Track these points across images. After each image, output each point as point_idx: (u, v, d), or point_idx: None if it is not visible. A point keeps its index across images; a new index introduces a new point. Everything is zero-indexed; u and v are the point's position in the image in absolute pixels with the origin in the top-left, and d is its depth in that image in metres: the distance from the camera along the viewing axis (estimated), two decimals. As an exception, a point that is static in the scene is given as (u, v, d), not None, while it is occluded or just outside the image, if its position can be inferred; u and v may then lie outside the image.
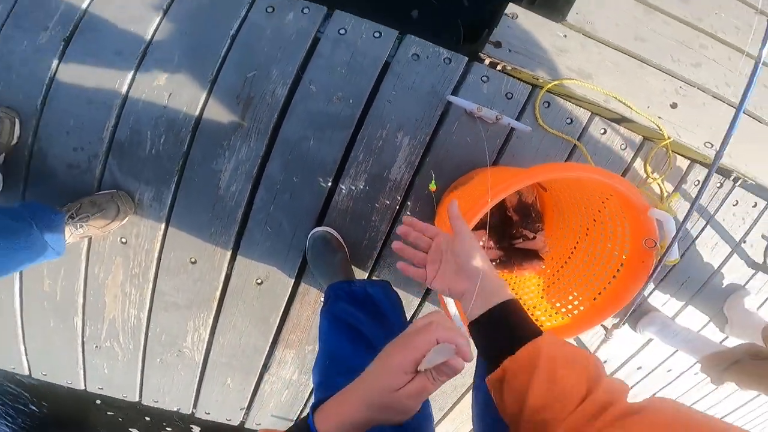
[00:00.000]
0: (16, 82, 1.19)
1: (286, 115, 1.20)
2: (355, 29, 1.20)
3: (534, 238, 1.22)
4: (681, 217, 1.20)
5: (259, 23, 1.20)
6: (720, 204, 1.39)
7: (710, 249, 1.42)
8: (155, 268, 1.34)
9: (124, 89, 1.19)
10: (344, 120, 1.20)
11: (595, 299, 1.00)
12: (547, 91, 1.21)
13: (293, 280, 1.34)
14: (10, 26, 1.18)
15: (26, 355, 1.49)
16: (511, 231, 1.22)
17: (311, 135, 1.21)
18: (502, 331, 0.53)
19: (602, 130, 1.28)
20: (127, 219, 1.23)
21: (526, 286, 1.23)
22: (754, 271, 1.48)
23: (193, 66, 1.19)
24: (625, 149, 1.30)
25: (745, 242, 1.44)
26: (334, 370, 0.84)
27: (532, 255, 1.21)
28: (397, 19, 1.60)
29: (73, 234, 1.12)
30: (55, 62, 1.18)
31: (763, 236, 1.47)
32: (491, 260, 1.20)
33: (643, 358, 1.56)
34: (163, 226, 1.28)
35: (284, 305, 1.38)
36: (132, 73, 1.19)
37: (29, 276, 1.36)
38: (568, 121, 1.26)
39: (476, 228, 1.12)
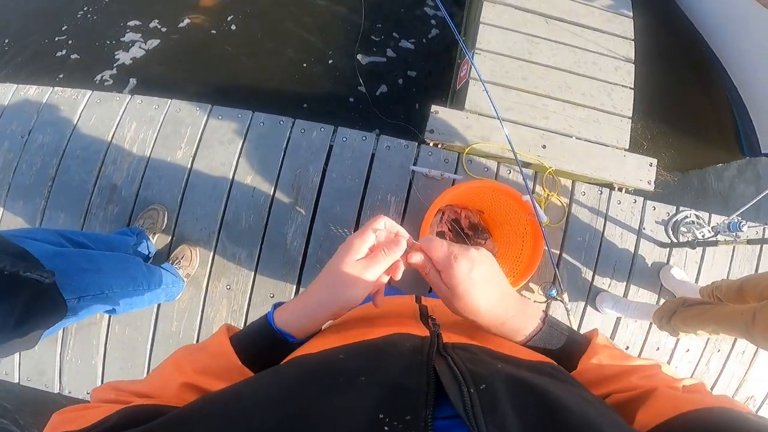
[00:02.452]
0: (164, 186, 2.00)
1: (321, 193, 2.03)
2: (351, 137, 2.07)
3: (485, 242, 2.06)
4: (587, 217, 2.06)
5: (297, 140, 2.06)
6: (608, 205, 2.14)
7: (619, 238, 2.12)
8: (247, 305, 1.99)
9: (227, 187, 2.01)
10: (354, 192, 2.04)
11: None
12: (467, 153, 2.08)
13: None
14: (159, 145, 2.03)
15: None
16: (469, 242, 2.06)
17: (337, 204, 2.04)
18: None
19: (508, 171, 2.13)
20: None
21: None
22: (668, 249, 2.10)
23: (264, 170, 2.04)
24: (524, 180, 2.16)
25: (644, 229, 2.14)
26: None
27: None
28: (374, 125, 2.55)
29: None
30: (187, 170, 2.01)
31: (656, 222, 2.15)
32: None
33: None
34: (253, 273, 1.98)
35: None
36: (231, 176, 2.02)
37: (162, 318, 1.94)
38: (485, 169, 2.11)
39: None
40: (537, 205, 1.71)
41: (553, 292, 2.05)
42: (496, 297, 0.51)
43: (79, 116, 2.07)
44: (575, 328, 2.00)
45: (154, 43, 2.97)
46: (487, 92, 1.47)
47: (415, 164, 2.06)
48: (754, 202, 1.87)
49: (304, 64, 2.98)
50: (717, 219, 2.21)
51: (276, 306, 0.55)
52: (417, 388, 0.34)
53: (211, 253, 2.01)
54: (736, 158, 3.17)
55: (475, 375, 0.35)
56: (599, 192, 2.18)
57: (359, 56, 3.00)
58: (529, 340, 0.53)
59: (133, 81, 2.88)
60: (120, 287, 1.39)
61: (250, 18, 3.06)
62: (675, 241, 2.18)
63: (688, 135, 3.08)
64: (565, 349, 0.54)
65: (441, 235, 2.00)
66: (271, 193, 2.05)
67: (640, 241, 2.17)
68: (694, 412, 0.39)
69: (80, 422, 0.37)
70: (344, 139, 2.06)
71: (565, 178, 2.17)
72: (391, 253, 0.53)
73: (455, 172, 2.08)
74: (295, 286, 2.03)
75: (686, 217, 2.20)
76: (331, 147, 2.06)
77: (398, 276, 0.55)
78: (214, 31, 3.02)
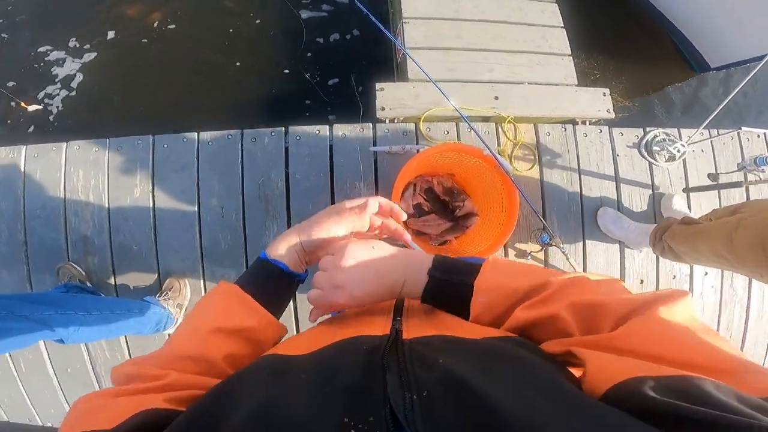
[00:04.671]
0: (134, 227, 1.96)
1: (290, 197, 1.99)
2: (305, 134, 2.03)
3: (464, 203, 2.03)
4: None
5: (251, 150, 2.01)
6: (575, 140, 2.14)
7: (596, 168, 2.13)
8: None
9: (195, 214, 1.96)
10: (323, 187, 2.00)
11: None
12: (423, 121, 2.06)
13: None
14: (114, 188, 1.97)
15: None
16: (449, 207, 2.02)
17: (309, 203, 1.99)
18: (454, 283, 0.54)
19: (468, 129, 2.12)
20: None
21: (475, 237, 1.94)
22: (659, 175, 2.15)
23: (227, 188, 1.98)
24: (489, 134, 2.14)
25: (618, 155, 2.15)
26: None
27: (470, 215, 2.00)
28: (324, 115, 2.52)
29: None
30: (150, 206, 1.96)
31: (627, 146, 2.18)
32: (447, 231, 1.97)
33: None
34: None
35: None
36: (196, 201, 1.97)
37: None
38: (446, 132, 2.09)
39: (421, 214, 1.96)
40: (499, 156, 1.68)
41: (546, 239, 2.01)
42: (370, 280, 0.56)
43: (24, 175, 2.00)
44: (580, 270, 1.97)
45: (76, 78, 2.90)
46: (411, 58, 1.46)
47: (375, 145, 2.03)
48: (718, 110, 1.90)
49: (238, 66, 2.93)
50: (687, 132, 2.24)
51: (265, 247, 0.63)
52: (375, 389, 0.35)
53: (201, 281, 1.98)
54: (690, 75, 3.23)
55: (420, 380, 0.36)
56: (563, 129, 2.17)
57: (300, 49, 2.97)
58: (424, 300, 0.56)
59: (57, 124, 2.81)
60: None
61: (173, 36, 2.99)
62: (653, 162, 2.18)
63: (634, 61, 3.15)
64: (455, 296, 0.54)
65: (418, 206, 1.97)
66: (241, 209, 2.00)
67: (618, 167, 2.18)
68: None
69: (100, 418, 0.37)
70: (298, 138, 2.02)
71: (527, 123, 2.16)
72: (358, 212, 0.62)
73: (417, 143, 2.06)
74: None
75: (655, 136, 2.22)
76: (287, 149, 2.02)
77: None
78: (135, 57, 2.94)
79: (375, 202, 0.64)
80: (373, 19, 1.49)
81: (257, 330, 0.55)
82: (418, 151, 2.04)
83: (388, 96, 2.07)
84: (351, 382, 0.37)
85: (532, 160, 2.14)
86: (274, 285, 0.59)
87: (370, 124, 2.05)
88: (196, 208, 1.98)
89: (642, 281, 2.18)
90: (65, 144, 2.00)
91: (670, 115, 3.05)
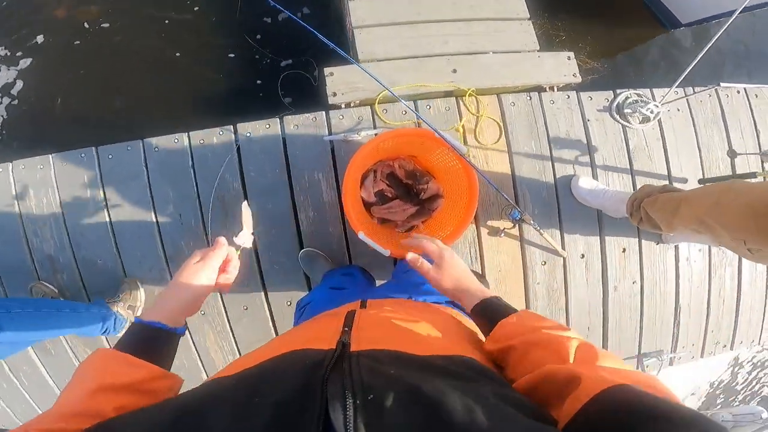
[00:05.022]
0: (94, 240, 1.90)
1: (248, 196, 1.92)
2: (255, 129, 1.93)
3: (428, 185, 1.94)
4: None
5: (201, 152, 1.92)
6: (542, 108, 2.05)
7: (566, 136, 2.05)
8: (228, 323, 1.98)
9: (153, 222, 1.91)
10: (280, 183, 1.93)
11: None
12: (378, 103, 1.97)
13: (306, 290, 2.03)
14: (66, 204, 1.94)
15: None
16: (414, 191, 1.94)
17: (268, 201, 1.93)
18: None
19: (428, 106, 2.02)
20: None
21: (444, 220, 1.81)
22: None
23: (181, 193, 1.91)
24: (449, 110, 2.04)
25: (589, 120, 2.06)
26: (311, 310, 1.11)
27: (436, 197, 1.92)
28: (275, 109, 2.42)
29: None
30: (107, 219, 1.90)
31: (598, 110, 2.08)
32: (413, 216, 1.90)
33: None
34: (218, 295, 1.95)
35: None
36: (152, 210, 1.91)
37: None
38: (404, 113, 1.99)
39: (384, 201, 1.88)
40: (450, 137, 1.58)
41: (517, 215, 1.93)
42: (461, 275, 0.75)
43: (-24, 200, 1.95)
44: (557, 246, 1.92)
45: (15, 86, 2.78)
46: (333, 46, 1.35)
47: (330, 134, 1.95)
48: (691, 66, 1.80)
49: (178, 57, 2.77)
50: (660, 92, 2.14)
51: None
52: (310, 408, 0.35)
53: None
54: (660, 33, 3.06)
55: (366, 386, 0.36)
56: (528, 98, 2.08)
57: (244, 32, 2.81)
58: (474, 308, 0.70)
59: None
60: None
61: (107, 35, 2.81)
62: (627, 124, 2.09)
63: (601, 20, 2.98)
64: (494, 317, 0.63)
65: (381, 194, 1.89)
66: (199, 214, 1.94)
67: (590, 133, 2.09)
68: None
69: None
70: (248, 134, 1.93)
71: (489, 95, 2.06)
72: (214, 255, 0.71)
73: (374, 127, 1.97)
74: (262, 292, 1.98)
75: (627, 98, 2.13)
76: (238, 147, 1.94)
77: (231, 273, 0.78)
78: (71, 61, 2.78)
79: (222, 239, 0.75)
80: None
81: (144, 381, 0.54)
82: (376, 135, 1.96)
83: (339, 80, 1.97)
84: (283, 398, 0.36)
85: (497, 133, 2.04)
86: (152, 343, 0.61)
87: (323, 113, 1.96)
88: (153, 218, 1.93)
89: (624, 249, 2.12)
90: (10, 164, 1.93)
91: (641, 75, 2.90)
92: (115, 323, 1.78)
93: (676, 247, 2.15)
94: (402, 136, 1.63)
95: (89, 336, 1.77)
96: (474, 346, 0.60)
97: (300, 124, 1.95)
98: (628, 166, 2.10)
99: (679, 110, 2.16)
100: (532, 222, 1.93)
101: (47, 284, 1.92)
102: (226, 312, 2.00)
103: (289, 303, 2.02)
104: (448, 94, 2.06)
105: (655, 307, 2.18)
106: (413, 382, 0.36)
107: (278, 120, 1.94)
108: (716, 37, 1.72)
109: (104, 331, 1.76)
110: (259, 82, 2.78)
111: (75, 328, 1.66)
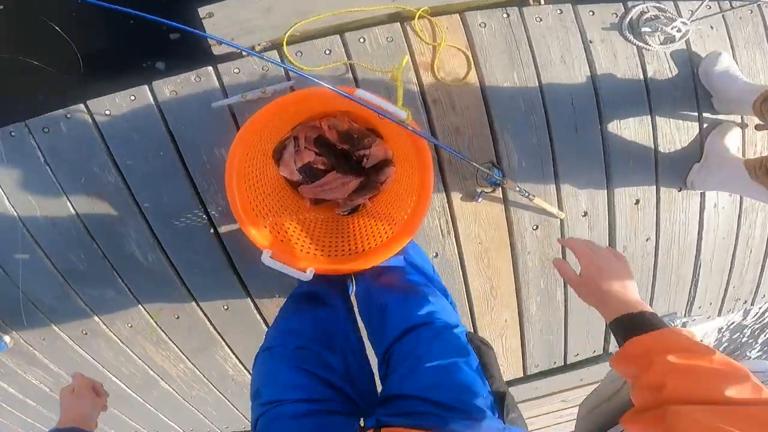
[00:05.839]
0: None
1: (132, 190, 1.44)
2: (116, 104, 1.36)
3: (374, 147, 1.42)
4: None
5: (51, 142, 1.39)
6: (525, 29, 1.47)
7: (561, 66, 1.51)
8: (164, 332, 1.71)
9: (27, 234, 1.48)
10: (171, 166, 1.43)
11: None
12: (288, 44, 1.36)
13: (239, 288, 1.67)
14: None
15: None
16: (353, 158, 1.43)
17: (162, 191, 1.45)
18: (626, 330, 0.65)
19: (361, 39, 1.41)
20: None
21: (400, 195, 1.33)
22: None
23: (45, 197, 1.45)
24: (393, 41, 1.43)
25: (592, 42, 1.51)
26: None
27: (383, 164, 1.42)
28: (142, 74, 1.76)
29: None
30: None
31: (603, 29, 1.52)
32: (357, 192, 1.42)
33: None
34: (139, 306, 1.64)
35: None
36: (20, 223, 1.47)
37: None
38: (327, 52, 1.40)
39: (315, 177, 1.39)
40: (377, 98, 0.98)
41: (496, 179, 1.45)
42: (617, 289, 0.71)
43: None
44: (553, 209, 1.59)
45: None
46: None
47: (226, 96, 1.38)
48: None
49: None
50: (688, 6, 1.56)
51: None
52: None
53: (86, 307, 1.64)
54: None
55: None
56: (505, 16, 1.47)
57: None
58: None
59: None
60: None
61: None
62: (644, 46, 1.54)
63: None
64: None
65: (309, 168, 1.42)
66: (77, 219, 1.48)
67: (593, 59, 1.52)
68: None
69: None
70: (107, 112, 1.37)
71: (449, 14, 1.45)
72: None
73: (288, 79, 1.39)
74: (189, 296, 1.65)
75: (642, 12, 1.54)
76: (99, 129, 1.39)
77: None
78: None
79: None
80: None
81: None
82: (292, 88, 1.39)
83: (223, 22, 1.35)
84: None
85: (465, 67, 1.46)
86: None
87: (210, 68, 1.37)
88: (25, 231, 1.49)
89: (637, 201, 1.69)
90: None
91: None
92: None
93: (702, 194, 1.69)
94: (287, 105, 1.08)
95: None
96: None
97: (178, 88, 1.37)
98: (646, 97, 1.56)
99: (713, 28, 1.58)
100: (517, 188, 1.47)
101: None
102: (157, 324, 1.70)
103: (226, 308, 1.68)
104: (391, 18, 1.43)
105: (671, 266, 1.82)
106: None
107: (146, 87, 1.37)
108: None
109: None
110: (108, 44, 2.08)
111: None
